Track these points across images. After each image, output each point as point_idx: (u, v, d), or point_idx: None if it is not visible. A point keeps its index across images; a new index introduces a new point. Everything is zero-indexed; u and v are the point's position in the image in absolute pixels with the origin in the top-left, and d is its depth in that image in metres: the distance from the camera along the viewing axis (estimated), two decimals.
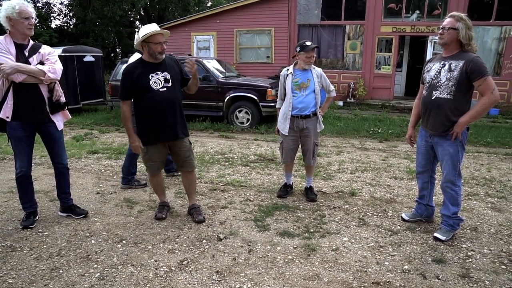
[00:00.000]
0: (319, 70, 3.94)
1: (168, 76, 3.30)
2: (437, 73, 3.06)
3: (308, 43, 3.78)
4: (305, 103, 3.84)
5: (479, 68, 2.85)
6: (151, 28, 3.20)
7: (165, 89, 3.26)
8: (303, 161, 4.18)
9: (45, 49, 3.26)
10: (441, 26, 2.99)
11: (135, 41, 3.33)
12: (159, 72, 3.27)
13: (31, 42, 3.22)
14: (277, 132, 4.10)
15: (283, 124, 3.96)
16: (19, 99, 3.11)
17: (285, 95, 3.95)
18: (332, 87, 4.03)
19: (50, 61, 3.20)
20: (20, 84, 3.06)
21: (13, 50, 3.05)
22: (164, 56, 3.29)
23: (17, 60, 3.04)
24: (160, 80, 3.26)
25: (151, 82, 3.23)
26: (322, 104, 4.12)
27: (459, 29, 2.89)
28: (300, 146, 4.07)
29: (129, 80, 3.25)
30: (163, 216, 3.58)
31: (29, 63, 3.09)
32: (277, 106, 4.13)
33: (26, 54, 3.12)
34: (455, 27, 2.90)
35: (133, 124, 3.37)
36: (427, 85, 3.16)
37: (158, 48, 3.20)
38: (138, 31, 3.30)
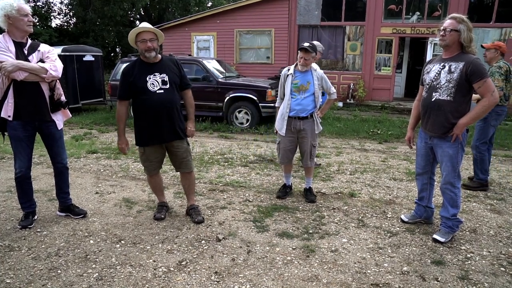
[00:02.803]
0: (320, 72, 3.92)
1: (166, 78, 3.27)
2: (437, 75, 3.05)
3: (305, 44, 3.75)
4: (302, 105, 3.83)
5: (479, 70, 2.85)
6: (141, 25, 3.20)
7: (162, 91, 3.24)
8: (301, 162, 4.17)
9: (44, 47, 3.25)
10: (442, 28, 2.97)
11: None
12: (157, 74, 3.25)
13: (30, 40, 3.20)
14: (276, 131, 4.10)
15: (280, 124, 3.95)
16: (20, 97, 3.10)
17: (284, 94, 3.94)
18: (333, 90, 4.01)
19: (50, 59, 3.18)
20: (21, 82, 3.04)
21: (12, 48, 3.04)
22: (154, 54, 3.22)
23: (17, 58, 3.03)
24: (157, 82, 3.23)
25: (148, 84, 3.21)
26: (322, 106, 4.11)
27: (461, 31, 2.89)
28: (298, 147, 4.07)
29: (126, 81, 3.24)
30: (162, 216, 3.57)
31: (29, 61, 3.08)
32: (276, 105, 4.12)
33: (26, 52, 3.11)
34: (457, 29, 2.90)
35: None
36: (427, 86, 3.15)
37: (143, 46, 3.17)
38: None
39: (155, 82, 3.23)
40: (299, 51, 3.77)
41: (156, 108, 3.24)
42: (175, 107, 3.32)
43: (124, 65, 9.28)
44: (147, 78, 3.22)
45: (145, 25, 3.21)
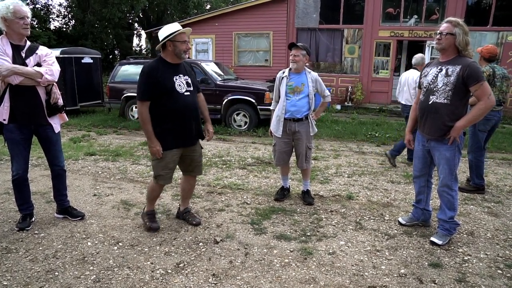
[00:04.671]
0: (314, 74, 3.95)
1: (189, 80, 3.22)
2: (434, 78, 3.07)
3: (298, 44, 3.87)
4: (297, 107, 3.85)
5: (476, 73, 2.87)
6: (176, 27, 3.10)
7: (188, 93, 3.17)
8: (296, 164, 4.17)
9: (42, 50, 3.24)
10: (438, 32, 3.01)
11: (160, 39, 3.10)
12: (181, 75, 3.18)
13: (28, 43, 3.19)
14: (271, 133, 4.12)
15: (276, 127, 3.97)
16: (16, 101, 3.09)
17: (279, 97, 3.97)
18: (327, 93, 4.03)
19: (47, 63, 3.17)
20: (17, 86, 3.03)
21: (9, 51, 3.03)
22: (187, 56, 3.20)
23: (14, 61, 3.02)
24: (183, 84, 3.16)
25: (176, 85, 3.11)
26: (317, 109, 4.13)
27: (457, 34, 2.91)
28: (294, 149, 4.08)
29: (152, 80, 3.03)
30: (158, 225, 3.42)
31: (26, 65, 3.06)
32: (271, 108, 4.15)
33: (23, 55, 3.10)
34: (453, 32, 2.92)
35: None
36: (424, 89, 3.17)
37: (183, 46, 3.09)
38: (159, 32, 3.13)
39: (181, 84, 3.15)
40: (289, 49, 3.85)
41: (184, 110, 3.15)
42: (198, 109, 3.29)
43: (123, 67, 9.36)
44: (174, 79, 3.12)
45: (180, 26, 3.15)
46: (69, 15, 24.34)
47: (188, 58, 11.25)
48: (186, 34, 3.13)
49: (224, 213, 3.80)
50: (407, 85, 5.63)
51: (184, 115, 3.16)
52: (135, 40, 28.25)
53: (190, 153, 3.35)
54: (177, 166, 3.41)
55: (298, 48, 3.80)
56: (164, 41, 3.06)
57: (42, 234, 3.29)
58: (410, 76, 5.61)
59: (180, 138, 3.20)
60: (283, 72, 3.96)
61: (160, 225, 3.46)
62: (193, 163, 3.42)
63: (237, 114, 8.37)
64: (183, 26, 3.20)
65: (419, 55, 5.76)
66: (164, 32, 3.09)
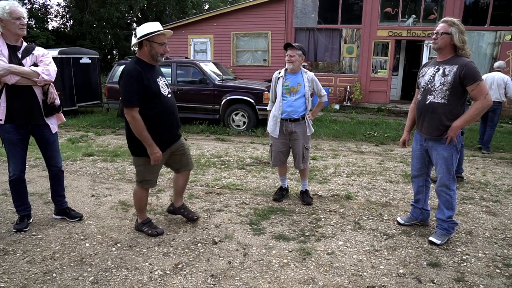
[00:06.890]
0: (310, 74, 3.95)
1: (166, 82, 3.20)
2: (431, 78, 3.08)
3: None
4: (294, 107, 3.85)
5: (473, 73, 2.87)
6: (156, 26, 2.99)
7: (170, 95, 3.17)
8: (294, 165, 4.16)
9: (38, 50, 3.23)
10: (434, 31, 3.02)
11: (134, 38, 3.04)
12: (161, 77, 3.13)
13: (24, 43, 3.19)
14: (268, 134, 4.12)
15: (272, 127, 3.97)
16: (13, 101, 3.08)
17: (276, 97, 3.96)
18: (323, 92, 4.03)
19: (44, 63, 3.16)
20: (13, 86, 3.03)
21: (5, 51, 3.03)
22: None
23: (10, 62, 3.01)
24: (165, 86, 3.13)
25: (160, 87, 3.06)
26: (313, 109, 4.13)
27: (452, 33, 2.92)
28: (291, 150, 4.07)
29: (141, 84, 2.88)
30: (162, 229, 3.38)
31: (23, 65, 3.06)
32: (268, 108, 4.13)
33: (19, 55, 3.09)
34: (448, 31, 2.93)
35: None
36: (422, 89, 3.17)
37: (161, 49, 3.01)
38: (137, 29, 3.02)
39: (164, 87, 3.11)
40: (285, 49, 3.84)
41: (170, 113, 3.13)
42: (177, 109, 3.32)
43: (121, 67, 9.33)
44: (158, 81, 3.07)
45: (160, 26, 3.04)
46: (67, 15, 24.32)
47: (187, 58, 11.28)
48: (165, 36, 3.04)
49: (222, 214, 3.79)
50: (495, 85, 6.50)
51: (169, 118, 3.14)
52: (134, 40, 28.24)
53: (179, 148, 3.32)
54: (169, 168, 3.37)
55: (293, 48, 3.79)
56: (141, 39, 2.94)
57: (40, 236, 3.28)
58: (496, 77, 6.51)
59: (167, 141, 3.17)
60: (279, 73, 3.96)
61: (158, 225, 3.45)
62: (184, 157, 3.39)
63: (236, 114, 8.36)
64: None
65: (501, 61, 6.85)
66: (142, 29, 2.95)
